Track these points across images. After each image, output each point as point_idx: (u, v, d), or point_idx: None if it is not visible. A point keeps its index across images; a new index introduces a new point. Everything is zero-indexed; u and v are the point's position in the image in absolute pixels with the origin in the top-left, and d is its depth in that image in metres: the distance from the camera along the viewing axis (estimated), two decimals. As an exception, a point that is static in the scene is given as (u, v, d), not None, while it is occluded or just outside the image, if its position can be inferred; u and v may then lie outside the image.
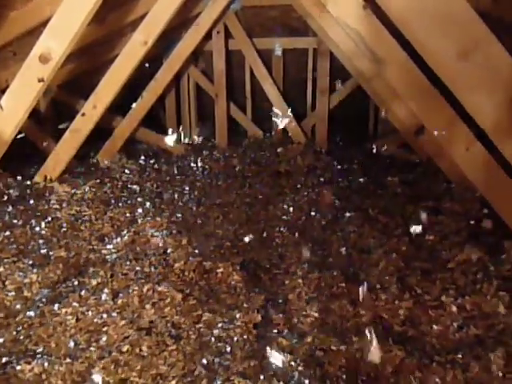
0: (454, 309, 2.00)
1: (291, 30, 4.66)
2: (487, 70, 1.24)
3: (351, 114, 5.00)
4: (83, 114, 3.44)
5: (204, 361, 1.81)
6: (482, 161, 2.47)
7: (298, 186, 3.62)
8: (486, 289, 2.09)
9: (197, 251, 2.58)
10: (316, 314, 2.07)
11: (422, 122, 2.78)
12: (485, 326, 1.89)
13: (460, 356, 1.72)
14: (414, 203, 3.15)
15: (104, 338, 1.91)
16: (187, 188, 3.60)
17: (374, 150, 4.57)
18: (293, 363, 1.79)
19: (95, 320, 2.00)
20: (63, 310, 2.05)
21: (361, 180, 3.77)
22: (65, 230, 2.81)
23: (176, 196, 3.44)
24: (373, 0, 1.96)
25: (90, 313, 2.04)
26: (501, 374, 1.63)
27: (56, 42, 2.63)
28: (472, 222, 2.81)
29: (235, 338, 1.93)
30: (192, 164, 4.23)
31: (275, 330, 1.99)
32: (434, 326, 1.93)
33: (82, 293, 2.16)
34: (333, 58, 4.51)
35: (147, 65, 4.54)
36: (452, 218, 2.87)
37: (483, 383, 1.61)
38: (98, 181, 3.53)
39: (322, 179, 3.76)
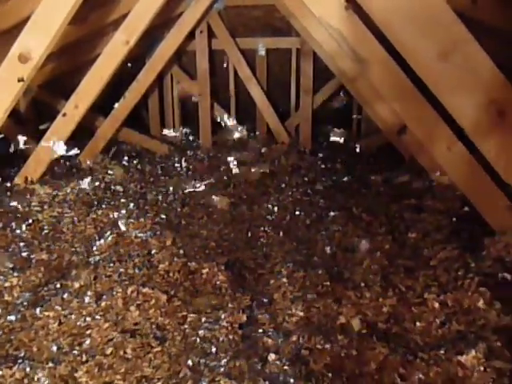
0: (437, 305, 2.03)
1: (274, 29, 4.67)
2: (466, 71, 1.27)
3: (334, 114, 5.04)
4: (64, 115, 3.39)
5: (189, 362, 1.81)
6: (462, 160, 2.52)
7: (283, 185, 3.63)
8: (468, 285, 2.12)
9: (181, 252, 2.56)
10: (301, 313, 2.08)
11: (405, 121, 2.82)
12: (466, 322, 1.92)
13: (443, 352, 1.75)
14: (397, 202, 3.19)
15: (87, 342, 1.89)
16: (171, 188, 3.58)
17: (358, 150, 4.61)
18: (278, 362, 1.80)
19: (78, 323, 1.98)
20: (45, 314, 2.02)
21: (344, 179, 3.80)
22: (46, 232, 2.76)
23: (160, 197, 3.41)
24: (355, 0, 1.98)
25: (72, 316, 2.01)
26: (482, 369, 1.66)
27: (36, 41, 2.58)
28: (454, 220, 2.86)
29: (221, 339, 1.93)
30: (176, 164, 4.21)
31: (260, 330, 2.00)
32: (417, 323, 1.96)
33: (65, 296, 2.13)
34: (316, 58, 4.53)
35: (129, 64, 4.50)
36: (434, 216, 2.91)
37: (465, 378, 1.64)
38: (81, 182, 3.48)
39: (306, 179, 3.78)
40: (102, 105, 4.03)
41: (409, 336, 1.90)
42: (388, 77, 2.53)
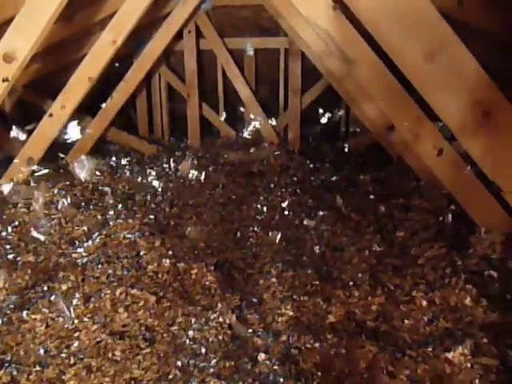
0: (424, 303, 2.06)
1: (262, 29, 4.68)
2: (452, 71, 1.28)
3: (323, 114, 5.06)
4: (51, 115, 3.35)
5: (179, 363, 1.80)
6: (449, 159, 2.55)
7: (272, 185, 3.64)
8: (455, 283, 2.15)
9: (170, 253, 2.55)
10: (291, 313, 2.09)
11: (392, 121, 2.84)
12: (453, 319, 1.95)
13: (430, 349, 1.77)
14: (385, 201, 3.21)
15: (75, 344, 1.87)
16: (160, 189, 3.56)
17: (346, 149, 4.64)
18: (268, 362, 1.80)
19: (66, 326, 1.96)
20: (32, 317, 1.99)
21: (333, 179, 3.82)
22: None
23: (148, 197, 3.39)
24: (342, 1, 1.99)
25: (60, 319, 1.99)
26: (469, 365, 1.68)
27: (21, 41, 2.55)
28: (440, 219, 2.89)
29: (210, 339, 1.93)
30: (164, 165, 4.19)
31: (250, 330, 2.00)
32: (406, 321, 1.98)
33: (52, 298, 2.11)
34: (304, 58, 4.54)
35: (117, 64, 4.47)
36: (421, 215, 2.94)
37: (453, 375, 1.66)
38: (68, 183, 3.44)
39: (294, 178, 3.79)
40: (90, 105, 3.99)
41: (397, 334, 1.92)
42: (375, 77, 2.55)
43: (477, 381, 1.62)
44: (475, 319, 1.92)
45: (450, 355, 1.71)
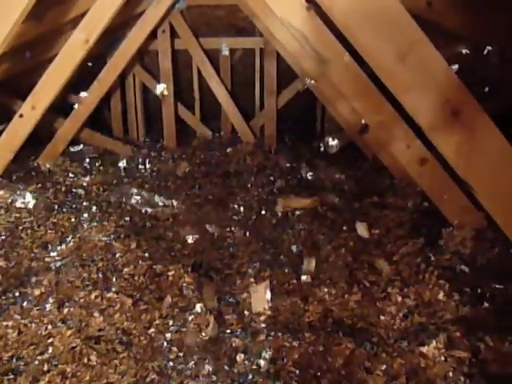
0: (400, 299, 2.10)
1: (238, 29, 4.67)
2: (422, 72, 1.31)
3: (299, 114, 5.09)
4: (21, 116, 3.26)
5: (156, 366, 1.78)
6: (421, 157, 2.61)
7: (248, 185, 3.64)
8: (428, 278, 2.20)
9: (146, 255, 2.52)
10: (269, 312, 2.09)
11: (366, 120, 2.88)
12: (427, 314, 1.99)
13: (405, 344, 1.81)
14: (361, 199, 3.26)
15: (49, 351, 1.83)
16: (135, 191, 3.51)
17: (322, 149, 4.67)
18: (246, 362, 1.80)
19: (39, 332, 1.91)
20: (3, 324, 1.94)
21: (309, 178, 3.85)
22: (3, 238, 2.65)
23: (124, 199, 3.34)
24: (316, 2, 2.00)
25: (33, 325, 1.94)
26: (443, 359, 1.72)
27: (-12, 40, 2.48)
28: (414, 216, 2.95)
29: (188, 341, 1.91)
30: (140, 166, 4.14)
31: (228, 331, 2.00)
32: (382, 317, 2.02)
33: (24, 304, 2.06)
34: (280, 58, 4.56)
35: (90, 64, 4.38)
36: (396, 213, 2.99)
37: (427, 368, 1.70)
38: (40, 185, 3.36)
39: (271, 178, 3.80)
40: (62, 105, 3.90)
41: (373, 330, 1.95)
42: (348, 76, 2.58)
43: (450, 373, 1.66)
44: (448, 313, 1.97)
45: (424, 349, 1.75)
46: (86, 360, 1.78)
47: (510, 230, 1.43)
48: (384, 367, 1.72)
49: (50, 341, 1.87)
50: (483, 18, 2.48)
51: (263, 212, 3.17)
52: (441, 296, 2.07)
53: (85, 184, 3.57)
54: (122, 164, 4.17)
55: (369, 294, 2.18)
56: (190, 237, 2.80)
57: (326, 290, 2.21)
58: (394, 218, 2.93)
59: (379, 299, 2.12)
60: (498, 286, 2.13)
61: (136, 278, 2.30)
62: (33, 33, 3.37)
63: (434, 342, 1.77)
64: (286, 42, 3.67)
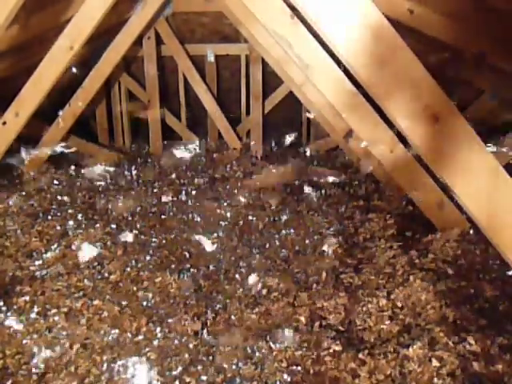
0: (385, 302, 2.12)
1: (223, 36, 4.70)
2: (402, 78, 1.35)
3: (284, 119, 5.12)
4: (4, 123, 3.23)
5: (144, 373, 1.78)
6: (404, 162, 2.65)
7: (235, 191, 3.65)
8: (413, 280, 2.23)
9: (133, 262, 2.51)
10: (255, 317, 2.10)
11: (350, 125, 2.92)
12: (412, 316, 2.02)
13: (391, 346, 1.83)
14: (346, 203, 3.29)
15: (35, 360, 1.81)
16: (121, 197, 3.49)
17: (308, 153, 4.71)
18: (234, 367, 1.80)
19: (25, 341, 1.89)
20: (-13, 334, 1.91)
21: (295, 183, 3.87)
22: (-13, 247, 2.62)
23: (110, 206, 3.32)
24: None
25: (18, 334, 1.92)
26: (427, 359, 1.75)
27: (-30, 47, 2.46)
28: (399, 219, 2.99)
29: (176, 348, 1.91)
30: (126, 172, 4.12)
31: (216, 337, 2.00)
32: (367, 320, 2.04)
33: (9, 314, 2.03)
34: (265, 64, 4.60)
35: (75, 70, 4.36)
36: (381, 216, 3.03)
37: (412, 369, 1.72)
38: (24, 193, 3.33)
39: (257, 183, 3.81)
40: (47, 112, 3.87)
41: (359, 333, 1.97)
42: (332, 82, 2.62)
43: (434, 373, 1.68)
44: (432, 315, 2.00)
45: (409, 351, 1.78)
46: (73, 369, 1.76)
47: (490, 233, 1.46)
48: (369, 369, 1.74)
49: (35, 350, 1.85)
50: (464, 24, 2.54)
51: (250, 217, 3.18)
52: (424, 297, 2.10)
53: (70, 191, 3.54)
54: (108, 171, 4.14)
55: (355, 297, 2.20)
56: (178, 243, 2.79)
57: (313, 293, 2.23)
58: (378, 222, 2.97)
59: (365, 302, 2.14)
60: (480, 287, 2.17)
61: (122, 285, 2.29)
62: (17, 39, 3.35)
63: (418, 343, 1.80)
64: (271, 48, 3.70)
